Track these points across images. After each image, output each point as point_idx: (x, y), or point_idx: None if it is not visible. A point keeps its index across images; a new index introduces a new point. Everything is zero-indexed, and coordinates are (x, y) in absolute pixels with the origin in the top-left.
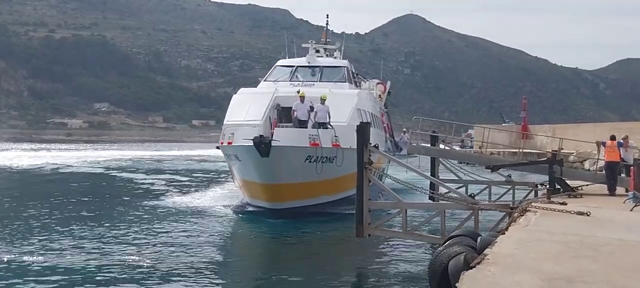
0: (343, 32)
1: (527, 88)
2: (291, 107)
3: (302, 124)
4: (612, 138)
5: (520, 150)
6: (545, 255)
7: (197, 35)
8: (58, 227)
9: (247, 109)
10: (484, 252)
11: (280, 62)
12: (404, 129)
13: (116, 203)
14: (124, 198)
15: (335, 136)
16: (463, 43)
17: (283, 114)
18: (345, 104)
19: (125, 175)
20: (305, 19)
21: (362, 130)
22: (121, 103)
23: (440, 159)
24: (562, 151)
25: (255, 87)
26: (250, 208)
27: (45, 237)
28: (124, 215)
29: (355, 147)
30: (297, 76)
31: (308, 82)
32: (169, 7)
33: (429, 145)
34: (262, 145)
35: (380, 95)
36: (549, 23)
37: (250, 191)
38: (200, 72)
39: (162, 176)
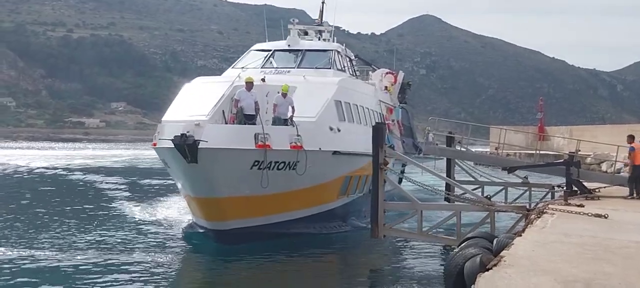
0: (335, 25)
1: (544, 89)
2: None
3: (250, 120)
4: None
5: (537, 152)
6: (562, 257)
7: (214, 35)
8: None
9: (195, 102)
10: (501, 254)
11: (256, 46)
12: (428, 128)
13: (71, 208)
14: (80, 203)
15: (298, 136)
16: (479, 43)
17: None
18: (319, 95)
19: (105, 177)
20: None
21: (378, 130)
22: (138, 102)
23: (456, 160)
24: (579, 153)
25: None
26: (200, 230)
27: None
28: (67, 223)
29: (328, 149)
30: (271, 62)
31: (283, 68)
32: (185, 7)
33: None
34: (185, 147)
35: (387, 87)
36: (566, 24)
37: (190, 207)
38: (216, 72)
39: (148, 180)
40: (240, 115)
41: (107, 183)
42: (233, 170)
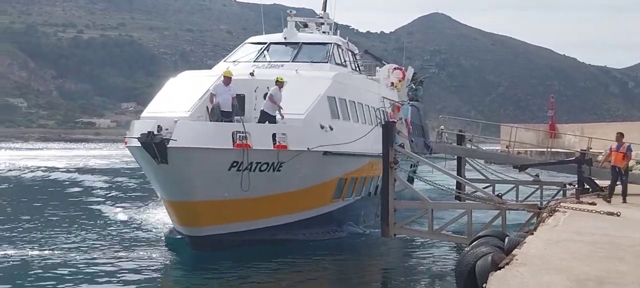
0: (344, 24)
1: (554, 87)
2: (242, 95)
3: (227, 117)
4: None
5: (548, 150)
6: (574, 256)
7: (223, 35)
8: None
9: (177, 97)
10: (513, 253)
11: (251, 39)
12: (442, 127)
13: (67, 209)
14: (77, 204)
15: (283, 134)
16: (489, 41)
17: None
18: (310, 91)
19: (109, 178)
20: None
21: (388, 129)
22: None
23: (467, 159)
24: (590, 150)
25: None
26: (178, 236)
27: None
28: (61, 224)
29: (319, 149)
30: (265, 55)
31: (277, 62)
32: (195, 7)
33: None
34: (153, 145)
35: (393, 83)
36: (577, 21)
37: (167, 210)
38: None
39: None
40: (217, 111)
41: (108, 183)
42: (208, 171)
